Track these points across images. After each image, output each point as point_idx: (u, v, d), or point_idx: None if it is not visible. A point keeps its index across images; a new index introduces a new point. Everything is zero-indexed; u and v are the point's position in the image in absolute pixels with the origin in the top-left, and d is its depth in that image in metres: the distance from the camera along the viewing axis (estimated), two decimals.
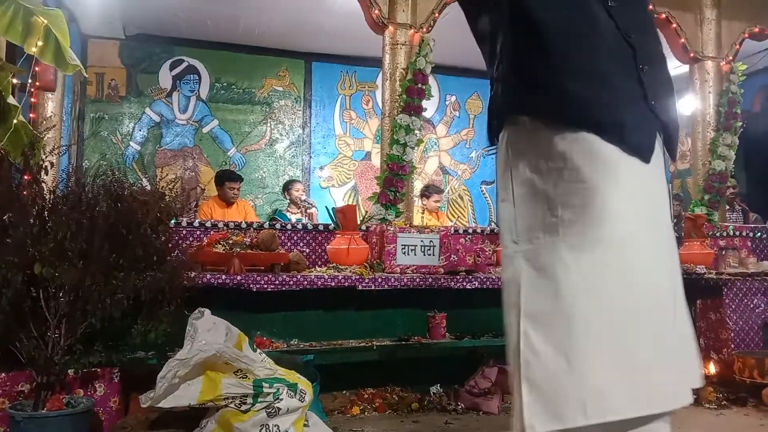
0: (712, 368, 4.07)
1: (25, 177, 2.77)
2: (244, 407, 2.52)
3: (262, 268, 3.52)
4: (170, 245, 3.13)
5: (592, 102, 1.16)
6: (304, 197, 5.99)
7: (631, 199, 1.15)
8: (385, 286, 3.55)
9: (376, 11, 4.52)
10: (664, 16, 5.23)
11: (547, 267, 1.13)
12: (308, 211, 5.85)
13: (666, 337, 1.13)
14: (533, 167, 1.19)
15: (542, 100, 1.18)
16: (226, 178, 5.64)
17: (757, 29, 5.50)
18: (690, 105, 5.64)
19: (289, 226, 4.08)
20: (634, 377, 1.08)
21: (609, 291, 1.10)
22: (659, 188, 1.21)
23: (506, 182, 1.24)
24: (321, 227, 4.10)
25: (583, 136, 1.15)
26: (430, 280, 3.64)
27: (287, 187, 6.11)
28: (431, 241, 3.80)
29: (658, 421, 1.11)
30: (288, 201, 6.04)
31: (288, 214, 5.85)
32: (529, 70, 1.20)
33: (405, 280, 3.60)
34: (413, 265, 3.74)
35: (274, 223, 4.42)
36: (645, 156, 1.18)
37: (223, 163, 7.13)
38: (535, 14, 1.19)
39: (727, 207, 5.73)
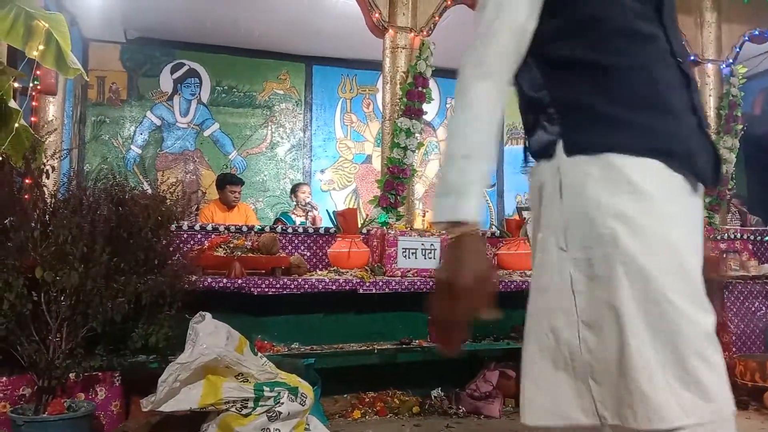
0: None
1: (27, 181, 2.78)
2: (245, 411, 2.52)
3: (263, 271, 3.52)
4: (171, 249, 3.13)
5: (661, 133, 1.19)
6: (308, 200, 5.99)
7: (689, 228, 1.20)
8: (386, 289, 3.55)
9: (377, 14, 4.52)
10: None
11: (601, 278, 1.16)
12: (309, 214, 5.86)
13: (715, 348, 1.16)
14: (584, 177, 1.19)
15: (612, 137, 1.19)
16: (227, 181, 5.65)
17: (757, 32, 5.51)
18: None
19: (290, 230, 4.08)
20: (684, 386, 1.11)
21: (663, 315, 1.13)
22: (701, 218, 1.27)
23: (551, 190, 1.24)
24: (322, 230, 4.10)
25: (649, 162, 1.17)
26: (431, 283, 3.64)
27: (294, 189, 6.15)
28: (432, 244, 3.80)
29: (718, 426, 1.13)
30: (295, 203, 6.06)
31: (293, 216, 5.86)
32: (593, 109, 1.21)
33: (406, 283, 3.60)
34: (414, 269, 3.74)
35: (275, 226, 4.42)
36: (706, 181, 1.24)
37: (224, 166, 7.14)
38: (599, 57, 1.21)
39: None
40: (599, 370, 1.16)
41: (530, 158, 1.34)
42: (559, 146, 1.22)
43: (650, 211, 1.15)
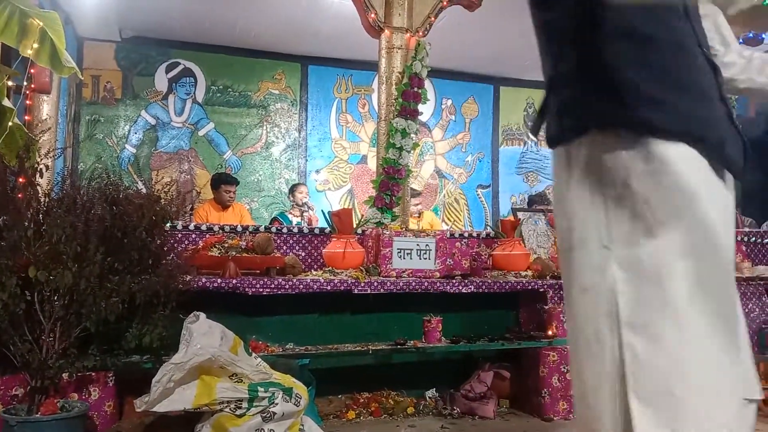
0: None
1: (20, 180, 2.76)
2: (239, 411, 2.52)
3: (258, 271, 3.51)
4: (165, 248, 3.12)
5: (696, 117, 1.17)
6: (305, 200, 6.00)
7: (724, 211, 1.19)
8: (381, 290, 3.55)
9: (372, 15, 4.53)
10: None
11: (651, 275, 1.12)
12: (305, 214, 5.87)
13: (745, 348, 1.18)
14: (627, 170, 1.16)
15: (649, 114, 1.15)
16: (222, 181, 5.64)
17: (751, 34, 5.53)
18: None
19: (285, 230, 4.07)
20: (739, 384, 1.11)
21: (717, 300, 1.12)
22: (734, 211, 1.25)
23: (593, 186, 1.21)
24: (317, 231, 4.09)
25: (687, 152, 1.15)
26: (425, 283, 3.64)
27: (292, 189, 6.16)
28: (427, 245, 3.80)
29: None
30: (292, 203, 6.07)
31: (290, 216, 5.87)
32: (633, 83, 1.17)
33: (401, 284, 3.60)
34: (409, 269, 3.74)
35: (270, 226, 4.41)
36: (737, 172, 1.23)
37: (219, 166, 7.13)
38: (642, 28, 1.18)
39: None
40: (648, 381, 1.11)
41: (540, 137, 1.31)
42: (596, 121, 1.19)
43: (697, 206, 1.13)
